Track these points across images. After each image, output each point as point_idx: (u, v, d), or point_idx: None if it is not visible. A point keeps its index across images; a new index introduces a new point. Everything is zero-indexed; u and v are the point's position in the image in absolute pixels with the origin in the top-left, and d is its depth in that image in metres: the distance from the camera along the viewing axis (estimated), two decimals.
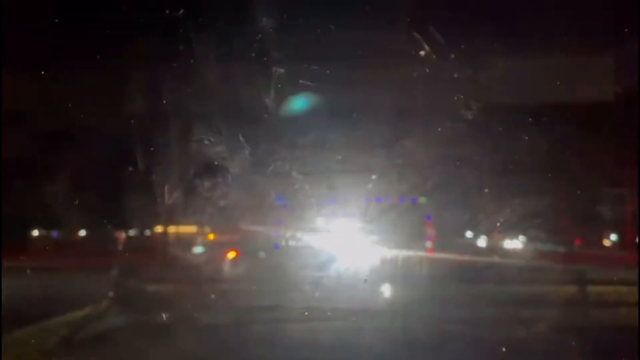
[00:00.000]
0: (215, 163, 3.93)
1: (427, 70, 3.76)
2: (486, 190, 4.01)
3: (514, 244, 4.66)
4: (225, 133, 3.89)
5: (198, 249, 4.85)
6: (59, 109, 4.19)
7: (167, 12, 3.74)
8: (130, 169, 3.92)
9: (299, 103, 3.85)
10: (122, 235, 5.05)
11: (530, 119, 3.82)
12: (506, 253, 4.74)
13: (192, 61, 3.80)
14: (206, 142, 3.90)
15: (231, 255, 4.86)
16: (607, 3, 3.74)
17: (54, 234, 5.46)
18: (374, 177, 3.92)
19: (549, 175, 3.96)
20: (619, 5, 3.66)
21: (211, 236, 4.88)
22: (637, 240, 4.98)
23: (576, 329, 4.09)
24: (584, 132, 4.07)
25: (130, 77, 3.98)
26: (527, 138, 3.82)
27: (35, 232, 5.47)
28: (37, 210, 4.58)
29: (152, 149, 3.93)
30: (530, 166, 3.99)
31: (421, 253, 4.54)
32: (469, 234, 4.70)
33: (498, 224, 4.16)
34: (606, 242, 5.54)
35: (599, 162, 4.28)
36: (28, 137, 4.41)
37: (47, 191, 4.23)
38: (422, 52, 3.71)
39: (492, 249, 4.75)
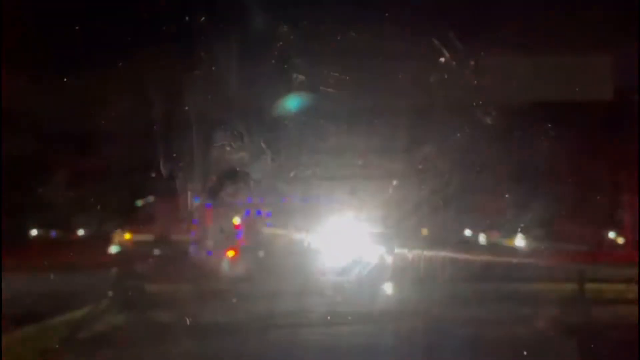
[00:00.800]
0: (237, 169, 3.97)
1: (446, 77, 3.80)
2: (507, 196, 4.04)
3: (518, 242, 4.67)
4: (246, 139, 3.92)
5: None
6: (80, 114, 4.23)
7: (188, 19, 3.78)
8: (153, 174, 3.96)
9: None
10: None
11: (549, 124, 3.86)
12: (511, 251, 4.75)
13: (213, 68, 3.84)
14: (228, 148, 3.93)
15: (230, 253, 4.86)
16: None
17: (53, 233, 5.49)
18: (395, 182, 3.96)
19: (568, 178, 4.00)
20: None
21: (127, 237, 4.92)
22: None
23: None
24: (601, 133, 4.12)
25: (153, 84, 4.00)
26: (545, 143, 3.86)
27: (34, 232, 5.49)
28: (40, 210, 4.62)
29: (174, 154, 3.96)
30: (547, 169, 4.03)
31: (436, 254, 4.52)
32: (467, 232, 4.72)
33: (520, 227, 4.19)
34: (620, 241, 5.54)
35: (610, 163, 4.32)
36: (49, 143, 4.46)
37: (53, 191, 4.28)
38: (441, 59, 3.75)
39: (497, 248, 4.77)
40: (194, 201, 4.27)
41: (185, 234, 4.65)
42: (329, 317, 4.07)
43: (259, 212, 4.57)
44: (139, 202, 4.39)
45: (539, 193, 4.12)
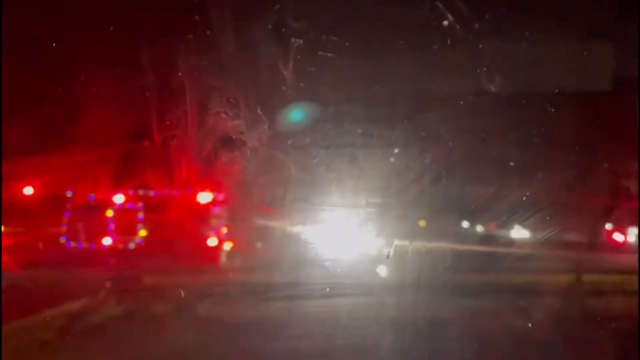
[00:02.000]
0: (233, 137, 3.86)
1: (449, 42, 3.68)
2: (511, 163, 3.91)
3: (520, 233, 4.53)
4: (242, 106, 3.82)
5: None
6: (71, 81, 4.11)
7: None
8: (146, 142, 3.87)
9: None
10: None
11: (556, 90, 3.74)
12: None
13: (208, 32, 3.73)
14: (223, 115, 3.83)
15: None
16: None
17: None
18: (396, 150, 3.84)
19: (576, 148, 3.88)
20: None
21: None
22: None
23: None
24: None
25: (146, 49, 3.88)
26: (553, 110, 3.74)
27: None
28: None
29: (167, 122, 3.86)
30: (554, 140, 3.91)
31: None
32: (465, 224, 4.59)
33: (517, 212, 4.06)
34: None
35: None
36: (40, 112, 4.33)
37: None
38: (445, 22, 3.63)
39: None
40: (68, 193, 4.36)
41: (58, 227, 4.67)
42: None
43: (130, 205, 4.67)
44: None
45: (542, 167, 4.00)
